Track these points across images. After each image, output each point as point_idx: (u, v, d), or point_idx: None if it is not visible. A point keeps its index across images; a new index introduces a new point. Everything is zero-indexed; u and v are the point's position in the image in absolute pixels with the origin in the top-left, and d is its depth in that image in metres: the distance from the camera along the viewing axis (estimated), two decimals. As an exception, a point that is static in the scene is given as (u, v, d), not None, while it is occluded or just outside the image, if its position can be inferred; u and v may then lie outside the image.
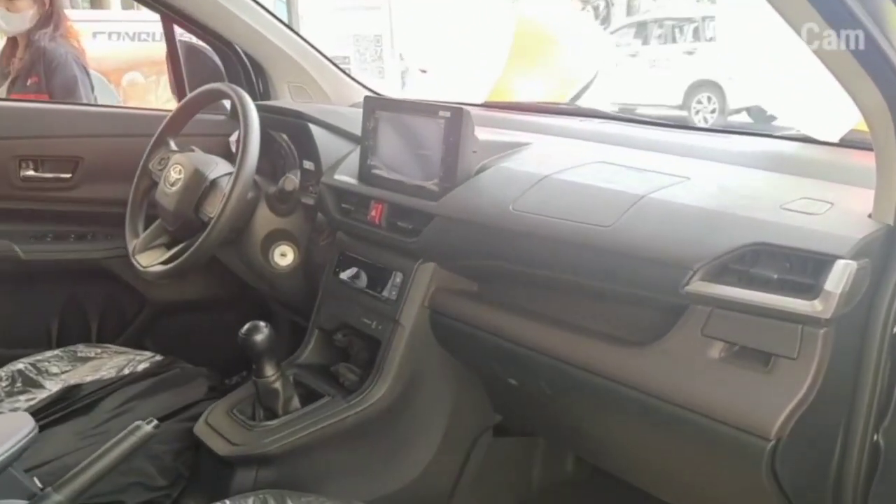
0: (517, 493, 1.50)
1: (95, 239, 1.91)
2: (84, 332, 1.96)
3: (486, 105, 1.91)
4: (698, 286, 0.95)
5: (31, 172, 1.79)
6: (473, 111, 1.27)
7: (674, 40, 10.18)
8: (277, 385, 1.27)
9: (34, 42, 2.47)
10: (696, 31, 9.90)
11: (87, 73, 2.55)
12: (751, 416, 0.90)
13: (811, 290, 0.87)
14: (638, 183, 1.14)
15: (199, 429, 1.27)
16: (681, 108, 9.48)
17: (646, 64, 9.83)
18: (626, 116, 1.68)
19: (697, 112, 9.44)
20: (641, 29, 10.32)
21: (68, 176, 1.81)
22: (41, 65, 2.42)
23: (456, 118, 1.26)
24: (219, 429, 1.25)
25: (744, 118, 9.61)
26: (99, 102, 2.96)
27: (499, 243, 1.17)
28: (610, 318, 1.08)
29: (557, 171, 1.22)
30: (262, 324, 1.26)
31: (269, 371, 1.26)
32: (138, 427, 1.11)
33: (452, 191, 1.26)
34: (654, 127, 1.60)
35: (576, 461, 1.51)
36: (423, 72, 1.88)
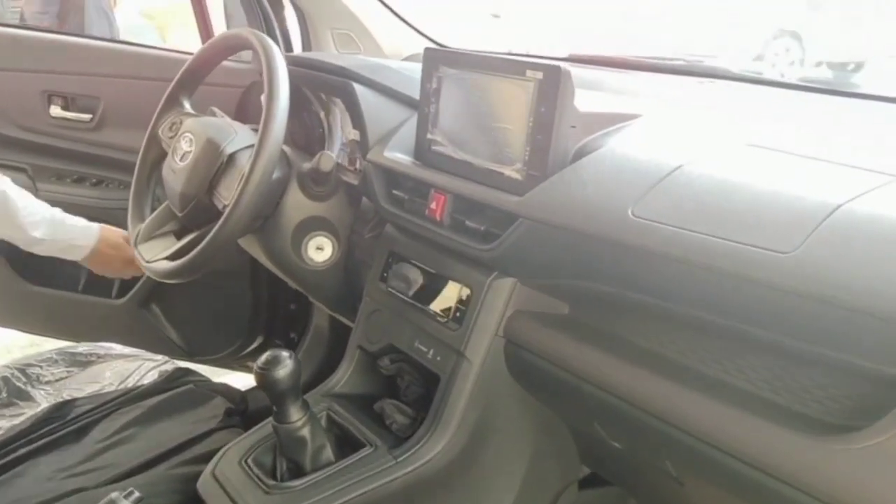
0: None
1: (109, 188, 1.79)
2: (108, 286, 1.83)
3: (572, 59, 1.54)
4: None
5: (58, 110, 1.73)
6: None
7: (752, -14, 9.46)
8: (305, 432, 0.97)
9: None
10: (776, -25, 9.19)
11: (110, 19, 2.26)
12: None
13: None
14: (821, 183, 0.78)
15: (204, 485, 0.99)
16: (757, 59, 8.83)
17: (720, 10, 9.15)
18: (759, 78, 1.30)
19: (774, 65, 8.78)
20: (717, -27, 9.58)
21: (89, 117, 1.73)
22: (55, 6, 2.13)
23: (551, 80, 0.91)
24: (228, 487, 0.96)
25: (823, 72, 8.93)
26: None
27: (612, 263, 0.83)
28: (781, 383, 0.74)
29: (691, 159, 0.86)
30: (284, 354, 0.95)
31: (295, 415, 0.96)
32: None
33: (544, 182, 0.92)
34: (798, 91, 1.23)
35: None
36: (496, 17, 1.52)
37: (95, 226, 1.45)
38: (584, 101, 0.99)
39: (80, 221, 1.44)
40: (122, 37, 2.68)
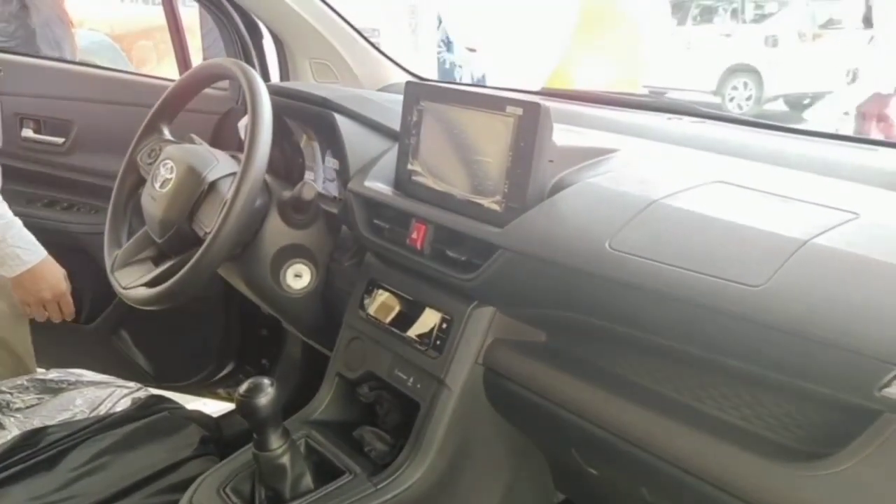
0: None
1: (80, 212, 1.78)
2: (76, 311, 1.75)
3: (545, 93, 1.59)
4: (905, 390, 0.64)
5: (30, 133, 1.73)
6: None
7: (710, 21, 9.80)
8: (285, 460, 0.97)
9: None
10: (734, 12, 9.54)
11: (62, 50, 2.24)
12: None
13: None
14: (787, 219, 0.82)
15: None
16: (715, 93, 9.10)
17: (680, 45, 9.42)
18: (728, 116, 1.36)
19: (732, 99, 9.08)
20: (678, 8, 9.88)
21: (61, 140, 1.73)
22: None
23: (530, 116, 0.95)
24: (206, 516, 0.96)
25: (780, 106, 9.24)
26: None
27: (590, 294, 0.86)
28: (752, 411, 0.77)
29: (666, 194, 0.90)
30: (265, 381, 0.96)
31: (275, 443, 0.97)
32: None
33: (524, 214, 0.94)
34: (765, 130, 1.28)
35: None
36: (472, 51, 1.56)
37: (43, 250, 1.44)
38: (562, 135, 1.02)
39: (33, 238, 1.43)
40: (82, 54, 2.67)
